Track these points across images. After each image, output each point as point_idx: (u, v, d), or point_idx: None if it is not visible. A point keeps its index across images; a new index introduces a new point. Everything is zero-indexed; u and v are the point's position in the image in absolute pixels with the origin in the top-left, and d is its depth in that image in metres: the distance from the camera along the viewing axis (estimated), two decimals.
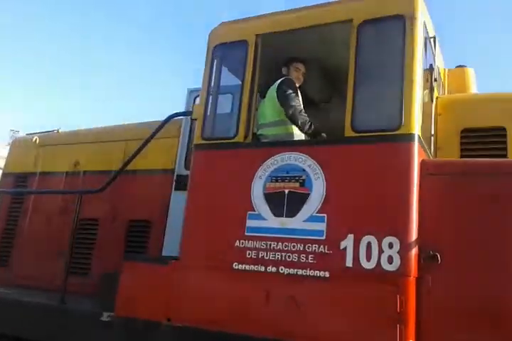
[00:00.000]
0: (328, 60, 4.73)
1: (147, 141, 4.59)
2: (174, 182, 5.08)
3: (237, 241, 3.74)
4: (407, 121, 3.40)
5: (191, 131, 5.27)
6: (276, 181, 3.74)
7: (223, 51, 4.38)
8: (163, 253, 4.81)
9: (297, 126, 3.91)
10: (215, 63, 4.35)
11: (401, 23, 3.60)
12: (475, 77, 4.88)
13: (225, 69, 4.43)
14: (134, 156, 4.65)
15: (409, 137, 3.38)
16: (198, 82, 4.36)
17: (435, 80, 4.03)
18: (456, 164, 3.48)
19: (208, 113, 4.26)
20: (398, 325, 3.05)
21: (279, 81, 4.08)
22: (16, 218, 6.19)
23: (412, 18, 3.59)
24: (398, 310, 3.07)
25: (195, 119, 4.28)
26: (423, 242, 3.21)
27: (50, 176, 6.19)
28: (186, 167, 5.12)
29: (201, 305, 3.74)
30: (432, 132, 4.06)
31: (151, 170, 5.40)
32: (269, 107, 4.10)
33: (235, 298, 3.65)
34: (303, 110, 3.93)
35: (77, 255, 5.19)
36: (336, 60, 4.67)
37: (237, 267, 3.68)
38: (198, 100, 5.24)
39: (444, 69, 4.94)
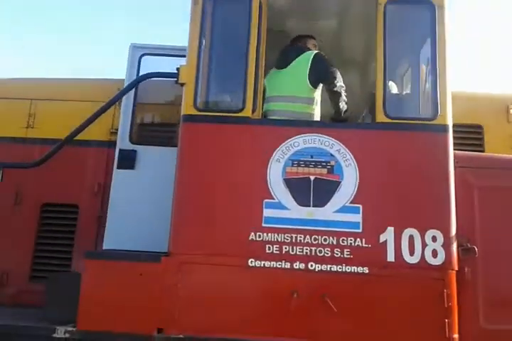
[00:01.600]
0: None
1: (110, 104, 3.56)
2: (117, 159, 4.09)
3: (252, 234, 3.18)
4: (443, 112, 3.32)
5: (136, 95, 4.32)
6: (299, 165, 3.29)
7: (217, 2, 3.65)
8: (105, 247, 3.86)
9: (336, 107, 3.48)
10: (206, 16, 3.58)
11: (432, 10, 3.48)
12: None
13: (219, 26, 3.69)
14: (90, 121, 3.56)
15: (445, 127, 3.32)
16: None
17: None
18: (484, 158, 3.57)
19: (201, 78, 3.51)
20: (446, 320, 2.99)
21: (311, 54, 3.56)
22: None
23: (442, 7, 3.51)
24: (446, 304, 3.00)
25: (182, 84, 3.48)
26: (459, 235, 3.20)
27: None
28: (132, 140, 4.17)
29: (208, 311, 3.08)
30: None
31: (76, 141, 4.24)
32: (293, 81, 3.54)
33: (254, 300, 3.11)
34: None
35: None
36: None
37: (253, 264, 3.13)
38: (145, 59, 4.39)
39: None
